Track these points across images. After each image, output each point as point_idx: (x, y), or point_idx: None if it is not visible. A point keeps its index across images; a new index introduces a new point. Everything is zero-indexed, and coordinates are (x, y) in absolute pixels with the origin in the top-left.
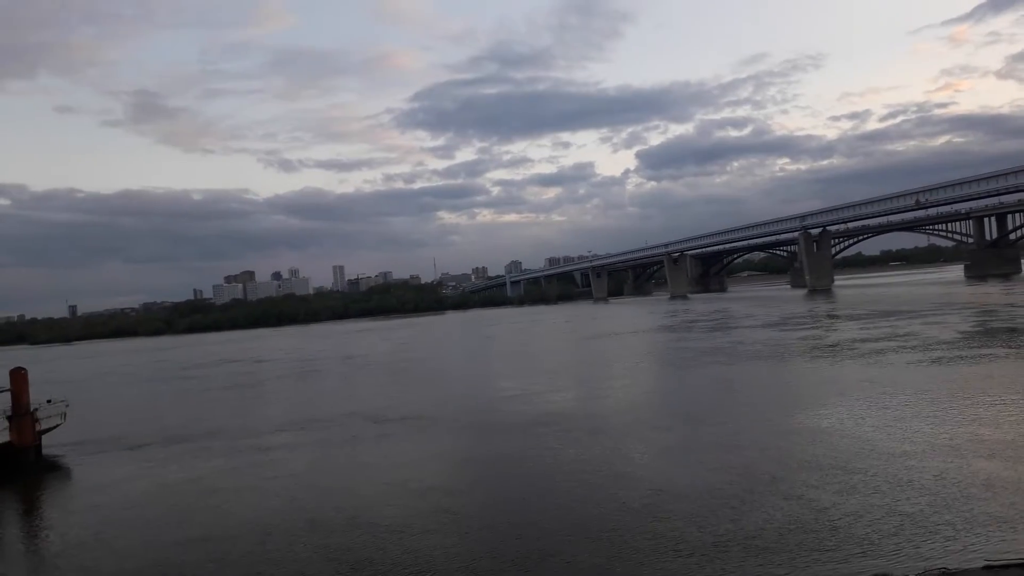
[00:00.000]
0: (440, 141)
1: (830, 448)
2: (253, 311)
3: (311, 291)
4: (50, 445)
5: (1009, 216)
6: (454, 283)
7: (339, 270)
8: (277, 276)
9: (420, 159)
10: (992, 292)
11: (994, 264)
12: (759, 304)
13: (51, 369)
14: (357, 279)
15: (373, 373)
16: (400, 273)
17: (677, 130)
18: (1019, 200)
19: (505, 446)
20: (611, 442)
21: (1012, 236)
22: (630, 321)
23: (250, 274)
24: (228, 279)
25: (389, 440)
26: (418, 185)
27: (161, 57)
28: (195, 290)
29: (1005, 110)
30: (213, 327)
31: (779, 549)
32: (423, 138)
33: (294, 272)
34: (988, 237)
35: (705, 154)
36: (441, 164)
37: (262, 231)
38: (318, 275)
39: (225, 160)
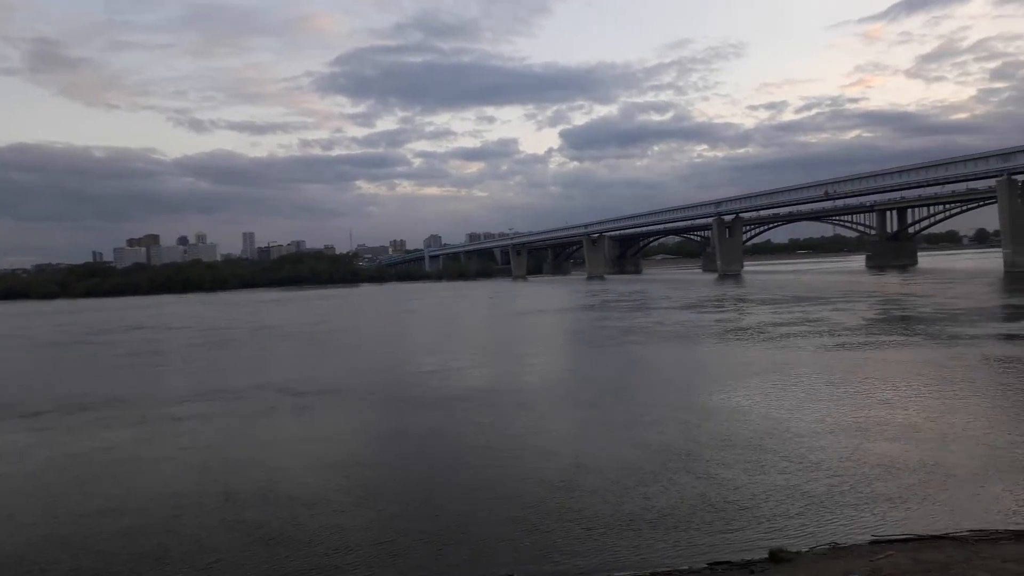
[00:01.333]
0: (360, 108)
1: (743, 427)
2: (157, 276)
3: (219, 258)
4: None
5: (909, 210)
6: (370, 255)
7: (249, 237)
8: (183, 241)
9: (339, 126)
10: (893, 282)
11: (893, 255)
12: (675, 287)
13: None
14: (268, 247)
15: (292, 344)
16: (314, 243)
17: (601, 111)
18: (919, 196)
19: (428, 420)
20: (535, 417)
21: (911, 230)
22: (552, 299)
23: (154, 238)
24: (131, 242)
25: (307, 413)
26: (336, 152)
27: (63, 3)
28: (94, 252)
29: (912, 108)
30: (113, 292)
31: (686, 527)
32: (343, 104)
33: (201, 238)
34: (889, 229)
35: (627, 137)
36: (361, 132)
37: (169, 193)
38: (227, 242)
39: (131, 117)
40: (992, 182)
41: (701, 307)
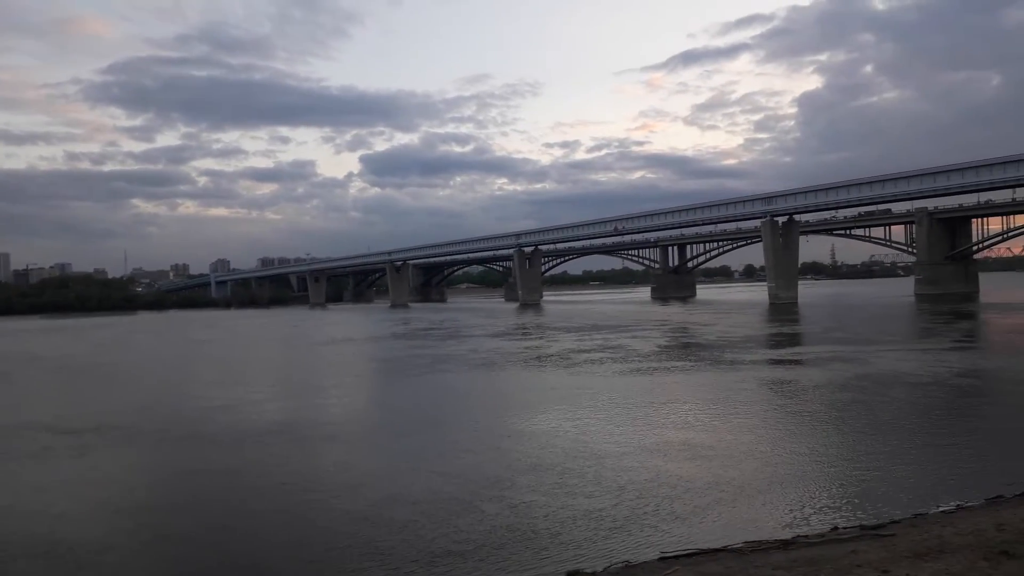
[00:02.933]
0: (138, 121)
1: (551, 451)
2: None
3: None
4: None
5: (688, 246)
6: (148, 280)
7: (3, 258)
8: None
9: (112, 139)
10: (678, 312)
11: (675, 288)
12: (481, 315)
13: None
14: (27, 270)
15: (69, 377)
16: (83, 266)
17: (403, 139)
18: (696, 233)
19: (226, 459)
20: (343, 451)
21: (690, 264)
22: (358, 328)
23: None
24: None
25: (89, 453)
26: (109, 168)
27: None
28: None
29: (689, 153)
30: None
31: (490, 555)
32: (117, 116)
33: None
34: (671, 263)
35: (429, 166)
36: (138, 147)
37: None
38: None
39: None
40: (757, 223)
41: (509, 335)
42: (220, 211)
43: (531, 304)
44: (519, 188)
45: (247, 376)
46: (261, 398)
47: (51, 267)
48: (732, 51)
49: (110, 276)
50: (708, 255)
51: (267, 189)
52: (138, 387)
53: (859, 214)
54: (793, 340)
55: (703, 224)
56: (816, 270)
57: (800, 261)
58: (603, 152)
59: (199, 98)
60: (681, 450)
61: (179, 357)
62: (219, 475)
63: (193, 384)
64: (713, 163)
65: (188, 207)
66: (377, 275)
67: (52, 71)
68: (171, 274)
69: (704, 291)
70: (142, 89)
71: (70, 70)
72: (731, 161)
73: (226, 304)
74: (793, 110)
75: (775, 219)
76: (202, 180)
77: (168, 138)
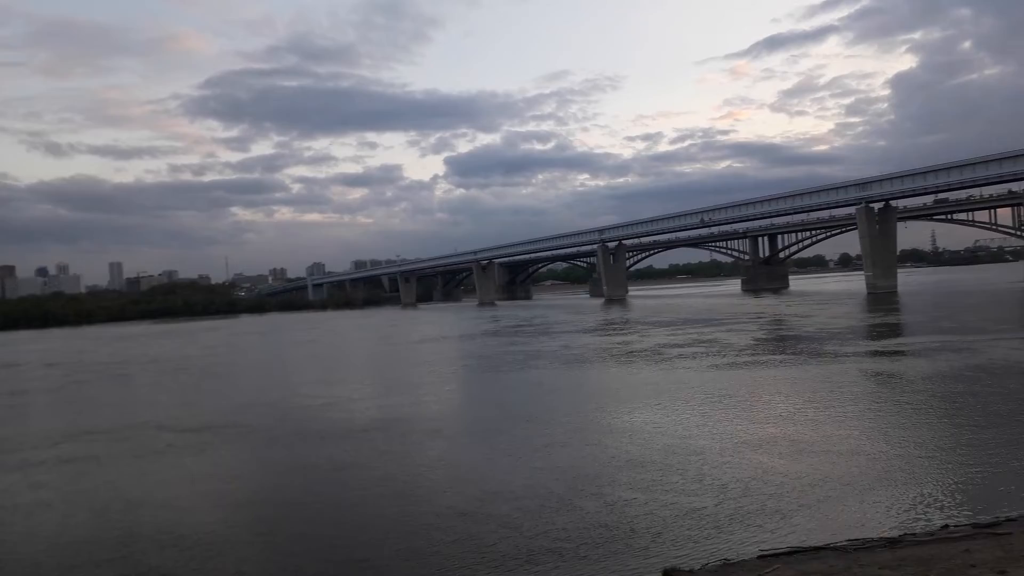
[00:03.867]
0: (234, 132)
1: (648, 447)
2: (12, 311)
3: (84, 290)
4: None
5: (779, 236)
6: (249, 284)
7: (117, 267)
8: (43, 272)
9: (211, 150)
10: (773, 304)
11: (766, 279)
12: (568, 311)
13: None
14: (138, 278)
15: (185, 379)
16: (188, 272)
17: (485, 139)
18: (787, 223)
19: (333, 453)
20: (445, 446)
21: (781, 254)
22: (451, 326)
23: (9, 269)
24: None
25: (208, 450)
26: (208, 178)
27: None
28: None
29: (777, 140)
30: None
31: (586, 552)
32: (214, 128)
33: (63, 268)
34: (762, 254)
35: (512, 165)
36: (235, 157)
37: (24, 221)
38: (92, 272)
39: None
40: (852, 210)
41: (600, 331)
42: (314, 216)
43: (616, 299)
44: (601, 183)
45: (350, 374)
46: (364, 395)
47: (159, 274)
48: (819, 34)
49: (213, 281)
50: (800, 245)
51: (357, 194)
52: (248, 387)
53: (967, 197)
54: (896, 330)
55: (794, 213)
56: (916, 257)
57: (899, 248)
58: (687, 143)
59: (290, 107)
60: (784, 446)
61: (284, 358)
62: (328, 470)
63: (299, 383)
64: (803, 150)
65: (283, 213)
66: (464, 274)
67: (154, 88)
68: (270, 278)
69: (797, 282)
70: (236, 101)
71: (170, 86)
72: (822, 147)
73: (322, 306)
74: (886, 92)
75: (870, 205)
76: (296, 187)
77: (262, 147)
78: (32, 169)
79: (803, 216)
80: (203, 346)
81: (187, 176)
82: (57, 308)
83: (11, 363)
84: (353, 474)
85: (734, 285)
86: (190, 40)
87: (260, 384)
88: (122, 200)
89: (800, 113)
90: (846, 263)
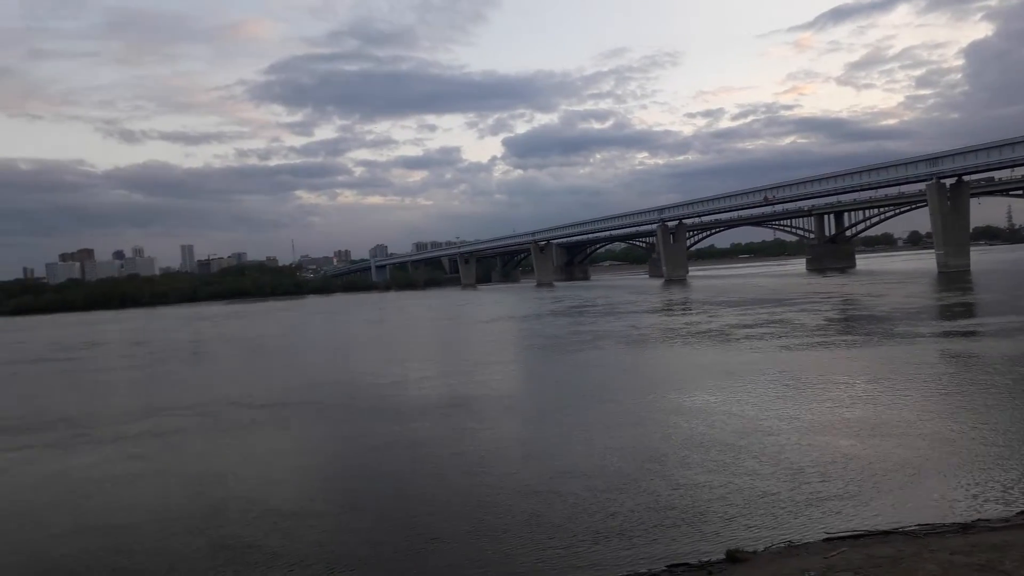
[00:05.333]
0: (297, 117)
1: (718, 427)
2: (93, 292)
3: (157, 272)
4: None
5: (846, 214)
6: (314, 266)
7: (188, 250)
8: (120, 255)
9: (276, 135)
10: (840, 283)
11: (832, 258)
12: (628, 292)
13: None
14: (208, 260)
15: (261, 357)
16: (256, 254)
17: (543, 119)
18: (854, 199)
19: (413, 430)
20: (516, 424)
21: (848, 232)
22: (514, 307)
23: (88, 252)
24: (63, 257)
25: (290, 426)
26: (274, 162)
27: None
28: (25, 268)
29: (844, 114)
30: (46, 309)
31: (651, 531)
32: (279, 113)
33: (139, 251)
34: (827, 233)
35: (569, 144)
36: (299, 141)
37: (101, 206)
38: (166, 255)
39: (56, 128)
40: (922, 186)
41: (665, 311)
42: (376, 199)
43: (677, 280)
44: (660, 161)
45: (422, 353)
46: (437, 373)
47: (229, 256)
48: (887, 3)
49: (280, 263)
50: (868, 223)
51: (417, 176)
52: (323, 365)
53: None
54: (972, 310)
55: (861, 190)
56: (990, 235)
57: (972, 226)
58: (749, 119)
59: (351, 92)
60: (856, 428)
61: (355, 337)
62: (404, 447)
63: (371, 362)
64: (871, 124)
65: (346, 196)
66: (522, 255)
67: (220, 74)
68: (334, 260)
69: (864, 261)
70: (300, 86)
71: (236, 72)
72: (891, 121)
73: (385, 287)
74: (959, 62)
75: (942, 181)
76: (358, 170)
77: (325, 131)
78: (108, 156)
79: (871, 193)
80: (276, 326)
81: (253, 161)
82: (133, 290)
83: (101, 342)
84: (429, 451)
85: (798, 265)
86: (254, 26)
87: (336, 363)
88: (192, 185)
89: (868, 86)
90: (915, 241)
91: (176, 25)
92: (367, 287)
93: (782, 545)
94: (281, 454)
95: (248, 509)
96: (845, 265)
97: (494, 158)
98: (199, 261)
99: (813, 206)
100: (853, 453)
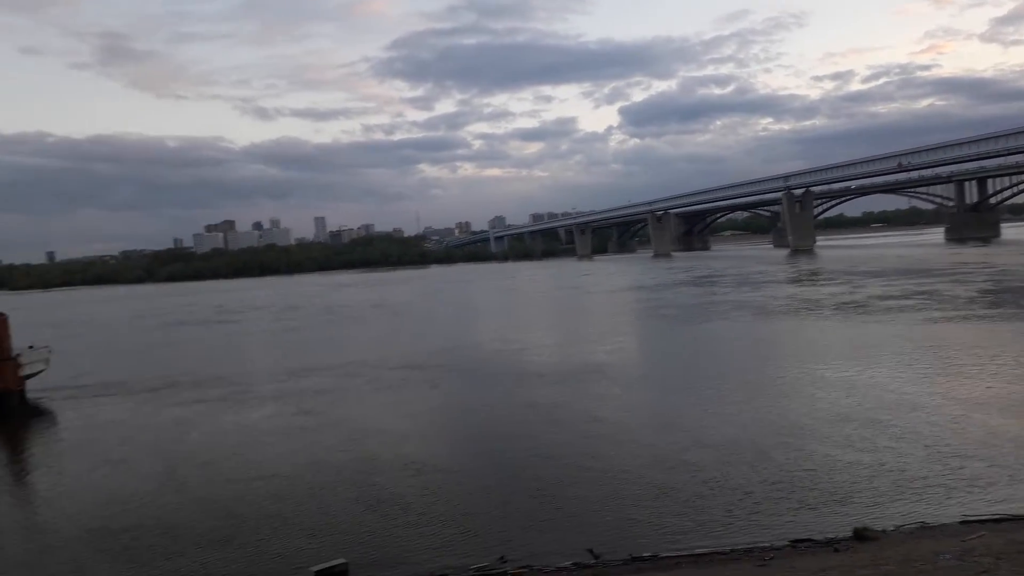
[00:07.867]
0: (419, 92)
1: (862, 401)
2: (235, 261)
3: (293, 242)
4: (35, 390)
5: (990, 180)
6: (437, 237)
7: (320, 221)
8: (258, 226)
9: (399, 110)
10: (985, 254)
11: (974, 227)
12: (754, 262)
13: (88, 314)
14: (339, 231)
15: (407, 322)
16: (382, 226)
17: (660, 87)
18: (1000, 165)
19: (552, 394)
20: (656, 393)
21: (992, 200)
22: (638, 277)
23: (230, 223)
24: (208, 228)
25: (440, 385)
26: (398, 137)
27: None
28: (175, 239)
29: (988, 74)
30: (195, 276)
31: (780, 504)
32: (401, 88)
33: (275, 222)
34: (968, 201)
35: (688, 112)
36: (421, 116)
37: (240, 180)
38: (300, 226)
39: (198, 106)
40: None
41: (802, 282)
42: (494, 171)
43: (803, 250)
44: (785, 127)
45: (558, 321)
46: (572, 340)
47: (358, 228)
48: None
49: (405, 234)
50: (1015, 189)
51: (534, 148)
52: (467, 330)
53: None
54: None
55: (1008, 154)
56: None
57: None
58: (881, 81)
59: (469, 66)
60: (1007, 405)
61: (489, 304)
62: (545, 408)
63: (510, 328)
64: (1019, 83)
65: (466, 169)
66: (639, 226)
67: (345, 51)
68: (456, 231)
69: (1009, 230)
70: (421, 62)
71: (360, 49)
72: None
73: (504, 257)
74: None
75: None
76: (477, 143)
77: (445, 106)
78: (244, 132)
79: (1018, 158)
80: (412, 292)
81: (379, 136)
82: (271, 259)
83: (259, 306)
84: (566, 414)
85: (936, 234)
86: (375, 3)
87: (478, 328)
88: (322, 159)
89: (1016, 43)
90: None
91: (303, 4)
92: (487, 257)
93: (915, 525)
94: (431, 412)
95: (396, 463)
96: (989, 235)
97: (610, 128)
98: (331, 232)
99: (953, 172)
100: (1003, 431)
